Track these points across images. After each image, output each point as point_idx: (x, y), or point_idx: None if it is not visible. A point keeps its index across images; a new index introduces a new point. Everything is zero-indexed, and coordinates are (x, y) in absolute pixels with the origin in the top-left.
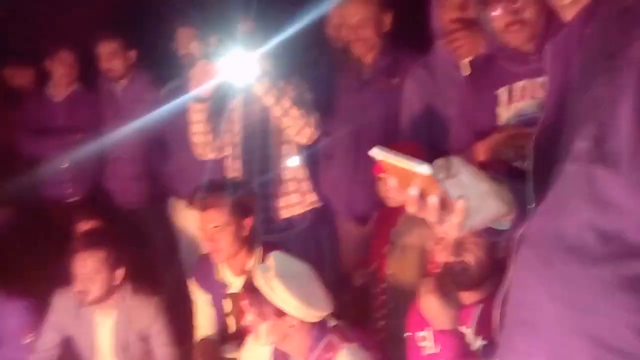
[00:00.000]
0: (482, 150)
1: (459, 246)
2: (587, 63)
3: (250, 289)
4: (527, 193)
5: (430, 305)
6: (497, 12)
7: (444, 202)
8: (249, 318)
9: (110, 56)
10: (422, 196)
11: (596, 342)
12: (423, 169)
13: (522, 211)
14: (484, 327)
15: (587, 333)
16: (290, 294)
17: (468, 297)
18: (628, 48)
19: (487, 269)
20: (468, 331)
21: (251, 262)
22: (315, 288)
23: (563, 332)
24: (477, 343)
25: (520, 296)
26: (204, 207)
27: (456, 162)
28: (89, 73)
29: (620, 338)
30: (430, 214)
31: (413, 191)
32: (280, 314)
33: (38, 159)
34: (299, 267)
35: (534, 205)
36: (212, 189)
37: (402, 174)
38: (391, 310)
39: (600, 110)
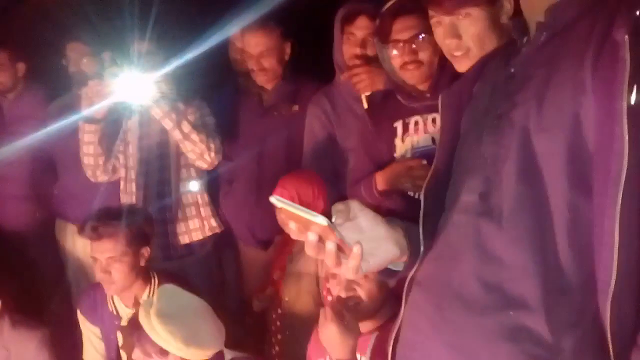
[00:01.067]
0: (380, 181)
1: (350, 281)
2: (474, 119)
3: (134, 325)
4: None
5: (329, 335)
6: (395, 52)
7: (341, 246)
8: (136, 355)
9: None
10: (320, 240)
11: None
12: (320, 220)
13: (414, 252)
14: (379, 355)
15: None
16: (170, 334)
17: (363, 326)
18: (512, 111)
19: (379, 301)
20: (363, 359)
21: (145, 294)
22: (203, 325)
23: None
24: None
25: (412, 338)
26: (97, 237)
27: (354, 206)
28: None
29: None
30: (328, 258)
31: (311, 237)
32: (164, 352)
33: None
34: (187, 303)
35: (423, 248)
36: (107, 217)
37: (301, 220)
38: (287, 336)
39: (485, 166)
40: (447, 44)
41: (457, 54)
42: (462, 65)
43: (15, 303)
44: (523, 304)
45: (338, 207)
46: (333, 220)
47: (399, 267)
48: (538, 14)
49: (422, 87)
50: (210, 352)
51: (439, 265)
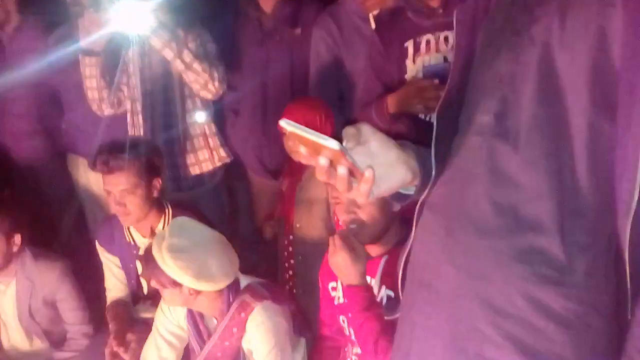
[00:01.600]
0: (392, 103)
1: (352, 204)
2: (491, 35)
3: (147, 257)
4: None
5: (339, 262)
6: None
7: (352, 171)
8: (152, 283)
9: None
10: (331, 165)
11: (491, 308)
12: (331, 143)
13: (426, 176)
14: (389, 278)
15: (483, 299)
16: (181, 269)
17: (372, 250)
18: (532, 27)
19: (383, 224)
20: (373, 282)
21: (160, 224)
22: (215, 259)
23: (461, 297)
24: (382, 293)
25: (423, 259)
26: (109, 170)
27: (365, 130)
28: None
29: (513, 305)
30: (339, 183)
31: (322, 161)
32: (177, 284)
33: None
34: (199, 235)
35: (435, 171)
36: (116, 150)
37: (311, 144)
38: (299, 261)
39: (502, 85)
40: None
41: None
42: None
43: (35, 237)
44: (537, 226)
45: (349, 130)
46: (344, 144)
47: (411, 191)
48: None
49: (434, 2)
50: (221, 285)
51: (451, 188)
